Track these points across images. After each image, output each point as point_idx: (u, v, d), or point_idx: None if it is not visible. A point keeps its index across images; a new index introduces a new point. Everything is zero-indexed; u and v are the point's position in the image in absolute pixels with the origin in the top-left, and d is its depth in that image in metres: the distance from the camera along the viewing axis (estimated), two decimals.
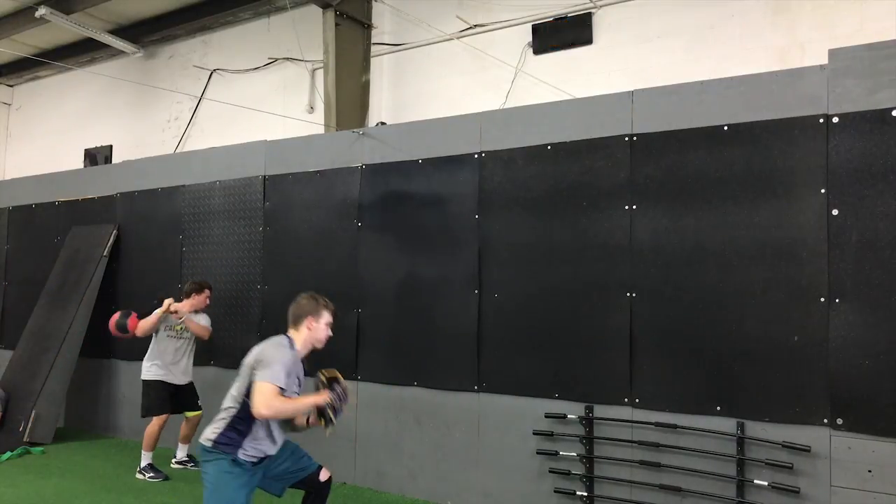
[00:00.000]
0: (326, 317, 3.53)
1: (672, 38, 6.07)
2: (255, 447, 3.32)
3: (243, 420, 3.27)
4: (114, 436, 7.10)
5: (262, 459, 3.37)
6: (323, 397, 3.37)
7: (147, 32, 9.25)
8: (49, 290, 7.41)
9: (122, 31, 9.30)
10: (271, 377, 3.19)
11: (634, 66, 6.14)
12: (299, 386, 3.49)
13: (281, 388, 3.20)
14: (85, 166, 9.83)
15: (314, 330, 3.49)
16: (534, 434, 4.69)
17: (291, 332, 3.49)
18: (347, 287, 5.61)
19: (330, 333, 3.57)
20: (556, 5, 6.61)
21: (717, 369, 4.15)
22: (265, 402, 3.15)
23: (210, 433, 3.30)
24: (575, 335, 4.62)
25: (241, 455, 3.27)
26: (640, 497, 4.33)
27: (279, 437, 3.44)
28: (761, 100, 4.14)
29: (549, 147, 4.82)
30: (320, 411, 3.39)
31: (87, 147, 10.14)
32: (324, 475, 3.67)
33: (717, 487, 4.10)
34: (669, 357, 4.30)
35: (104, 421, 7.23)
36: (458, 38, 7.05)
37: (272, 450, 3.41)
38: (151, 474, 5.58)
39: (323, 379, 3.46)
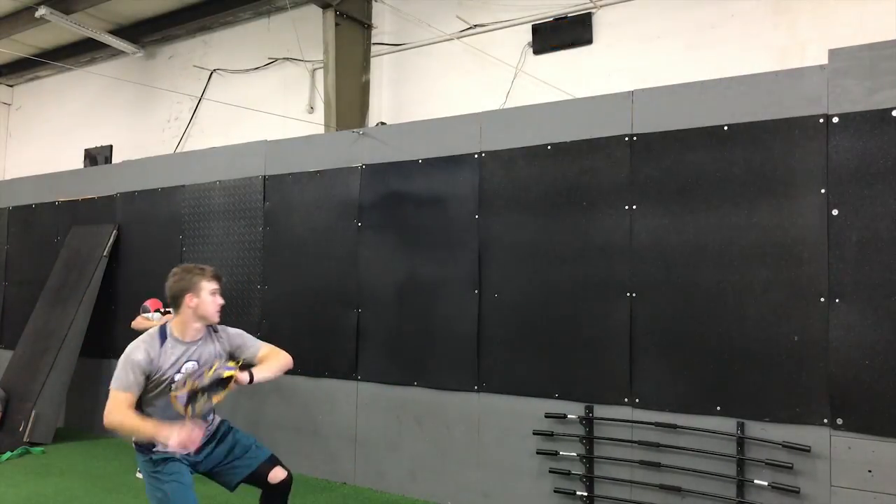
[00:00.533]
0: (207, 286, 3.13)
1: (672, 38, 6.07)
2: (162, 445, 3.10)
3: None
4: (114, 436, 7.10)
5: (188, 453, 3.17)
6: (183, 433, 2.93)
7: (147, 32, 9.25)
8: (49, 290, 7.40)
9: (122, 31, 9.30)
10: (113, 384, 2.98)
11: (634, 66, 6.14)
12: (199, 367, 3.15)
13: (132, 393, 2.98)
14: (85, 166, 9.84)
15: (198, 306, 3.11)
16: (534, 434, 4.69)
17: (173, 318, 3.17)
18: (347, 287, 5.61)
19: (220, 301, 3.21)
20: (556, 5, 6.61)
21: (717, 369, 4.15)
22: (107, 410, 2.95)
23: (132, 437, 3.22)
24: (575, 335, 4.62)
25: (157, 452, 3.13)
26: (640, 497, 4.33)
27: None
28: (761, 100, 4.14)
29: (549, 147, 4.82)
30: (220, 381, 3.02)
31: (87, 147, 10.14)
32: (275, 476, 3.33)
33: (717, 487, 4.10)
34: (669, 357, 4.30)
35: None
36: (458, 38, 7.05)
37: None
38: None
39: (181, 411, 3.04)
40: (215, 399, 3.07)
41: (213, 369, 3.04)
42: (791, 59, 5.39)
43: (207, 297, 3.14)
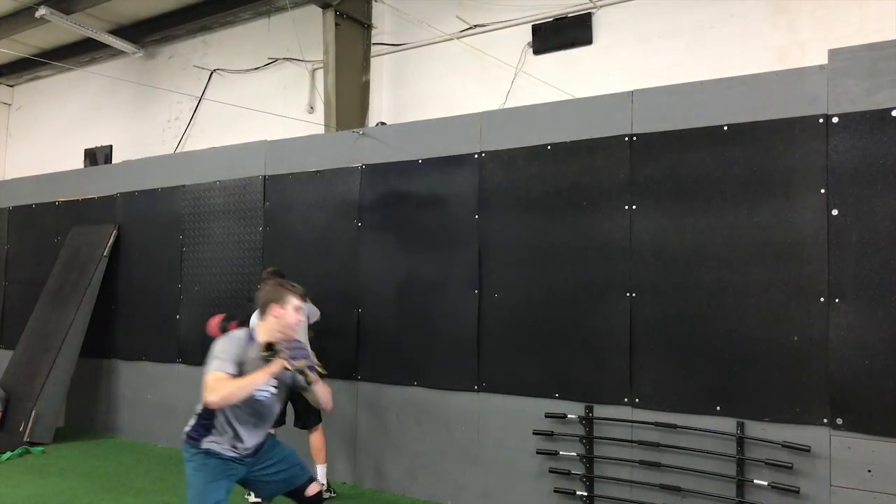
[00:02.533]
0: (293, 302, 3.38)
1: (672, 38, 6.07)
2: (221, 442, 3.25)
3: (207, 415, 3.27)
4: (114, 436, 7.10)
5: (238, 456, 3.29)
6: (278, 365, 3.22)
7: (147, 32, 9.25)
8: (49, 290, 7.40)
9: (122, 31, 9.30)
10: (214, 366, 3.17)
11: (634, 66, 6.14)
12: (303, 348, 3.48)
13: (230, 374, 3.15)
14: (85, 166, 9.83)
15: (281, 316, 3.35)
16: (534, 434, 4.69)
17: (259, 323, 3.40)
18: (347, 287, 5.61)
19: (300, 318, 3.44)
20: (556, 5, 6.61)
21: (717, 369, 4.15)
22: (210, 388, 3.10)
23: (186, 428, 3.32)
24: (575, 335, 4.62)
25: (209, 446, 3.24)
26: (640, 497, 4.33)
27: (249, 436, 3.30)
28: (761, 100, 4.14)
29: (549, 147, 4.82)
30: (299, 371, 3.29)
31: (87, 147, 10.14)
32: (311, 490, 3.51)
33: (717, 487, 4.10)
34: (669, 357, 4.30)
35: (104, 421, 7.23)
36: (458, 38, 7.05)
37: (239, 449, 3.28)
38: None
39: (264, 355, 3.27)
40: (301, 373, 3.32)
41: (310, 359, 3.37)
42: (791, 59, 5.39)
43: (291, 311, 3.37)
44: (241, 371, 3.20)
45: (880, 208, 3.77)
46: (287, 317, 3.35)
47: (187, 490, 3.26)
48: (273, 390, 3.33)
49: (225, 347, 3.25)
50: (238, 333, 3.34)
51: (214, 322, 5.23)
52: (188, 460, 3.29)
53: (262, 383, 3.21)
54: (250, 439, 3.32)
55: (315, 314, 5.35)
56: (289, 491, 3.51)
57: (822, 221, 3.91)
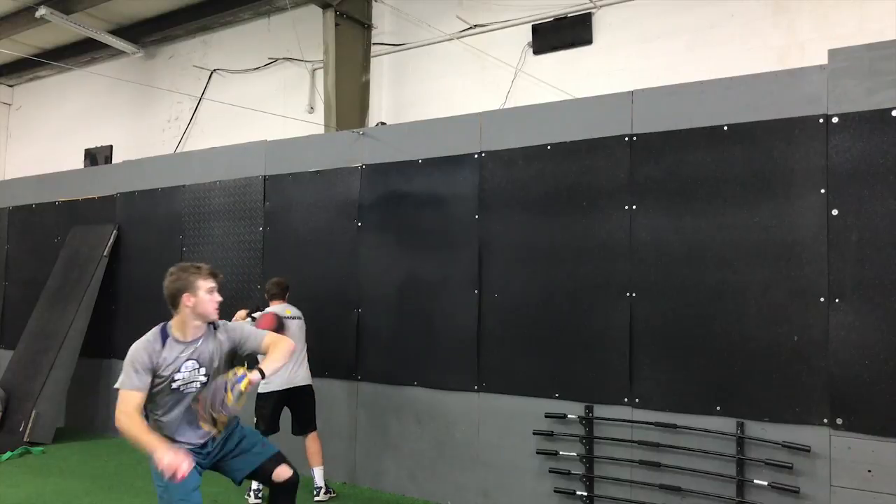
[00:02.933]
0: (204, 284, 3.13)
1: (672, 38, 6.07)
2: (167, 441, 3.12)
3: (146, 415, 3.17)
4: (114, 436, 7.09)
5: (193, 449, 3.16)
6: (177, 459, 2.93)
7: (147, 32, 9.27)
8: (49, 290, 7.41)
9: (122, 31, 9.32)
10: (121, 381, 3.01)
11: (634, 66, 6.15)
12: (198, 370, 3.17)
13: (139, 389, 3.00)
14: (85, 166, 9.84)
15: (195, 305, 3.11)
16: (534, 434, 4.69)
17: (173, 317, 3.18)
18: (347, 287, 5.62)
19: (218, 299, 3.20)
20: (556, 5, 6.61)
21: (717, 369, 4.15)
22: (119, 409, 2.98)
23: None
24: (575, 335, 4.61)
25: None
26: (640, 497, 4.32)
27: (190, 436, 3.17)
28: (761, 100, 4.14)
29: (549, 147, 4.82)
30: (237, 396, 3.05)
31: (87, 147, 10.16)
32: (280, 474, 3.30)
33: (717, 487, 4.10)
34: (669, 357, 4.30)
35: (104, 421, 7.23)
36: (458, 38, 7.06)
37: (191, 444, 3.17)
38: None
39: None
40: (239, 406, 3.11)
41: (229, 390, 3.04)
42: (791, 59, 5.40)
43: (205, 296, 3.13)
44: (155, 377, 3.06)
45: (880, 208, 3.77)
46: (203, 303, 3.11)
47: (157, 491, 3.18)
48: (203, 380, 3.17)
49: (134, 357, 3.06)
50: (148, 335, 3.15)
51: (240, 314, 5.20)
52: (150, 460, 3.19)
53: (150, 451, 2.96)
54: (194, 437, 3.20)
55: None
56: (257, 475, 3.36)
57: (822, 221, 3.91)
